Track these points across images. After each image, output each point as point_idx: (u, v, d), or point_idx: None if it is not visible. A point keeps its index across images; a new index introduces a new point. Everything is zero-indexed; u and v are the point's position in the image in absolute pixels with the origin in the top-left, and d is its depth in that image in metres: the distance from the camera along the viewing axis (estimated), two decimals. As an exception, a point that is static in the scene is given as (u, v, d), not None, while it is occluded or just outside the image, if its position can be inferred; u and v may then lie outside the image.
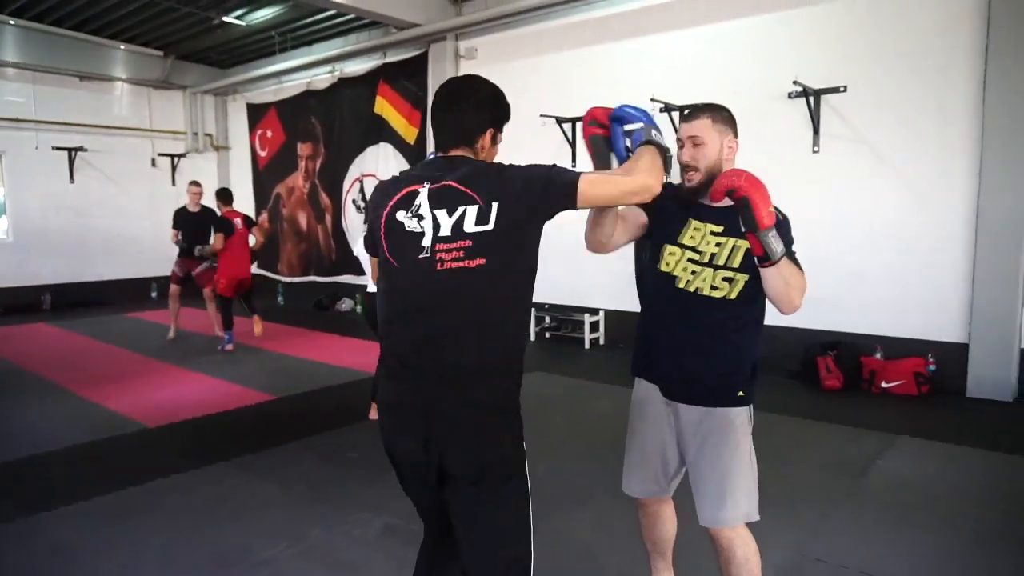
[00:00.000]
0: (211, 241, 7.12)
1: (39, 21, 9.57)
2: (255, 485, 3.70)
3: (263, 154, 11.44)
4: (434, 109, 1.77)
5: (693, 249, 2.00)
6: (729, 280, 1.97)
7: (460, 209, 1.62)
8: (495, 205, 1.60)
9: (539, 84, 7.47)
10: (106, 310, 10.18)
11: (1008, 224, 4.99)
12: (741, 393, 2.02)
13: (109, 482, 3.72)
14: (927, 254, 5.37)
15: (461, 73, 8.26)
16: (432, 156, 1.83)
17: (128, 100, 11.28)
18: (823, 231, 5.82)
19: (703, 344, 2.02)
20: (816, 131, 5.76)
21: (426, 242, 1.64)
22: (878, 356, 5.45)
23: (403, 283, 1.70)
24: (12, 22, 9.47)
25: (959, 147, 5.19)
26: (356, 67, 9.55)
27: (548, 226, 1.70)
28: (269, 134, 11.24)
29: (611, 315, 7.29)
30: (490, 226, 1.60)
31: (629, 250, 2.28)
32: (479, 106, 1.74)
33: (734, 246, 1.97)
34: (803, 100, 5.72)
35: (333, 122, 10.04)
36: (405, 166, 8.99)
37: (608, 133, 1.87)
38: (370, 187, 9.52)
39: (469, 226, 1.61)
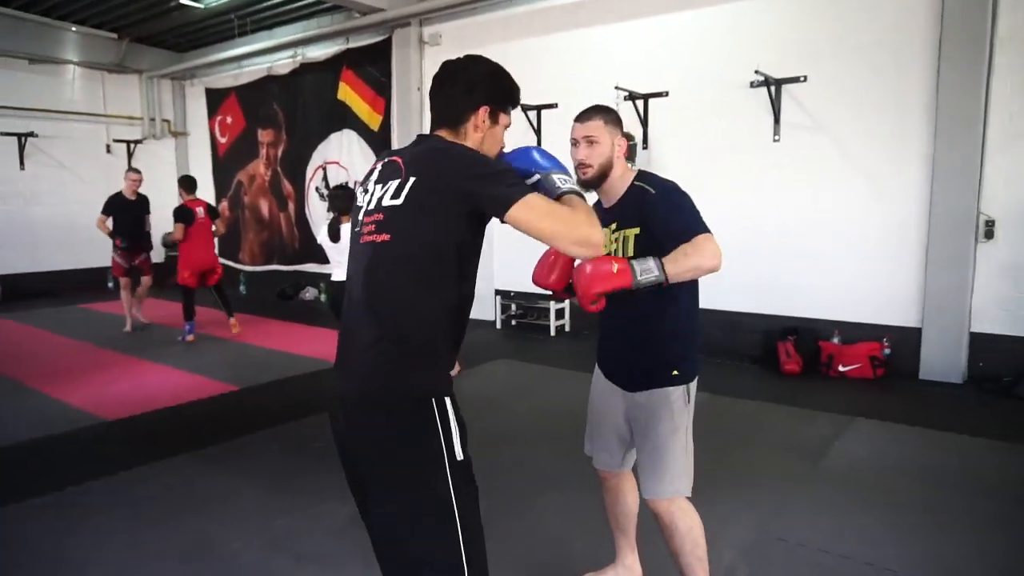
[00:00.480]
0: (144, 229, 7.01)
1: (-16, 1, 9.19)
2: (219, 476, 3.66)
3: (223, 140, 11.20)
4: (430, 92, 1.72)
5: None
6: None
7: (389, 183, 1.56)
8: (412, 180, 1.51)
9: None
10: (60, 301, 9.89)
11: (959, 213, 5.15)
12: (675, 372, 2.11)
13: (67, 477, 3.63)
14: (883, 241, 5.52)
15: (425, 59, 8.20)
16: None
17: (81, 84, 10.92)
18: (783, 218, 5.94)
19: (629, 334, 2.18)
20: (777, 120, 5.85)
21: (360, 215, 1.63)
22: (836, 341, 5.59)
23: (350, 258, 1.67)
24: (-45, 2, 9.08)
25: (914, 138, 5.33)
26: (318, 52, 9.39)
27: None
28: (229, 120, 11.01)
29: (576, 303, 7.33)
30: (400, 200, 1.52)
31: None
32: (468, 85, 1.64)
33: (624, 237, 2.10)
34: (764, 89, 5.80)
35: (295, 108, 9.87)
36: (369, 153, 8.91)
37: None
38: (333, 174, 9.41)
39: (386, 199, 1.55)
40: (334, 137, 9.38)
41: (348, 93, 9.08)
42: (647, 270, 1.86)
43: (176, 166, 11.94)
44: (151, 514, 3.23)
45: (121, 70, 11.19)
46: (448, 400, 1.52)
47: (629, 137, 2.16)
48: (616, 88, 6.39)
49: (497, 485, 3.49)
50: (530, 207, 1.44)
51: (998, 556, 2.80)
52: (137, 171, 7.68)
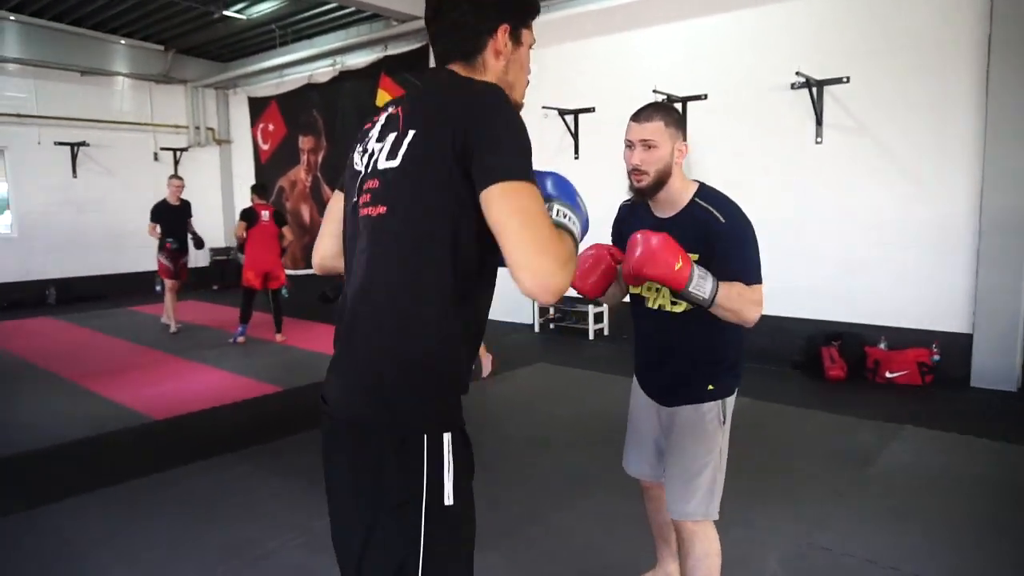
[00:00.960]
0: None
1: (40, 17, 9.56)
2: (261, 477, 3.72)
3: (265, 147, 11.44)
4: (426, 18, 1.34)
5: None
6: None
7: (388, 138, 1.23)
8: (411, 133, 1.18)
9: (541, 76, 7.37)
10: (109, 304, 10.20)
11: (1011, 214, 4.98)
12: (711, 387, 2.00)
13: (115, 474, 3.74)
14: (931, 244, 5.37)
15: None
16: None
17: (129, 95, 11.26)
18: (826, 222, 5.82)
19: (671, 355, 2.07)
20: (819, 122, 5.74)
21: (358, 181, 1.28)
22: (882, 346, 5.45)
23: (346, 240, 1.34)
24: (13, 18, 9.46)
25: (963, 138, 5.18)
26: (357, 60, 9.54)
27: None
28: (271, 127, 11.24)
29: (615, 306, 7.28)
30: (396, 161, 1.19)
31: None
32: (473, 2, 1.28)
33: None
34: (806, 91, 5.70)
35: (335, 115, 10.03)
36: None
37: None
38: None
39: (381, 161, 1.22)
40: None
41: (386, 99, 9.17)
42: (702, 287, 1.77)
43: (220, 173, 12.23)
44: (194, 512, 3.30)
45: (167, 81, 11.52)
46: (448, 437, 1.19)
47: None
48: (654, 91, 6.34)
49: (534, 489, 3.49)
50: (520, 197, 1.08)
51: (1056, 570, 2.70)
52: (179, 178, 7.91)
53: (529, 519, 3.15)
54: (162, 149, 11.62)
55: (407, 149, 1.17)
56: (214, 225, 7.28)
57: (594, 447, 4.04)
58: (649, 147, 1.90)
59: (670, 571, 2.44)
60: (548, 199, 1.21)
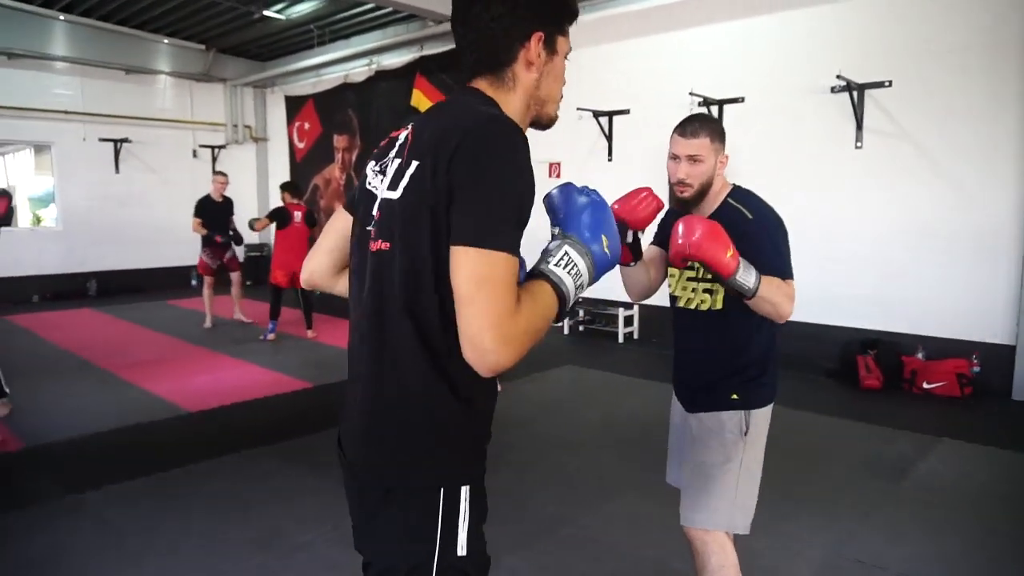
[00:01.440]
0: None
1: (87, 16, 9.82)
2: (293, 470, 3.78)
3: (300, 146, 11.60)
4: (452, 23, 1.23)
5: (688, 267, 2.03)
6: (710, 292, 1.99)
7: (395, 164, 1.17)
8: (413, 164, 1.10)
9: (577, 77, 7.35)
10: (148, 297, 10.43)
11: (1059, 223, 4.84)
12: (734, 396, 1.97)
13: (152, 464, 3.83)
14: (973, 253, 5.24)
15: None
16: None
17: (171, 92, 11.51)
18: (865, 228, 5.72)
19: (701, 356, 2.07)
20: (859, 127, 5.64)
21: (373, 208, 1.19)
22: (920, 356, 5.34)
23: (352, 274, 1.27)
24: (62, 17, 9.72)
25: (1007, 145, 5.05)
26: (393, 60, 9.62)
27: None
28: (307, 126, 11.39)
29: (645, 310, 7.25)
30: (397, 193, 1.12)
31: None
32: (505, 5, 1.14)
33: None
34: (846, 95, 5.61)
35: (369, 115, 10.13)
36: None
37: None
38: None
39: (385, 190, 1.16)
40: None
41: (421, 100, 9.26)
42: (747, 277, 1.77)
43: (256, 170, 12.43)
44: (229, 504, 3.36)
45: (207, 79, 11.74)
46: (466, 490, 1.15)
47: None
48: (691, 94, 6.30)
49: (564, 491, 3.49)
50: (481, 265, 1.00)
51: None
52: (223, 174, 8.02)
53: (558, 521, 3.15)
54: (201, 146, 11.84)
55: (408, 182, 1.10)
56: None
57: (624, 450, 4.03)
58: (695, 161, 1.94)
59: None
60: (564, 237, 1.12)
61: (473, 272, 1.00)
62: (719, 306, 1.98)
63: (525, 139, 1.08)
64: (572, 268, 1.08)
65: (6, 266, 9.93)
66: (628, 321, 7.33)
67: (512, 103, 1.19)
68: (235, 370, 6.08)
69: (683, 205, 2.01)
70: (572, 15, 1.24)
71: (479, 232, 1.01)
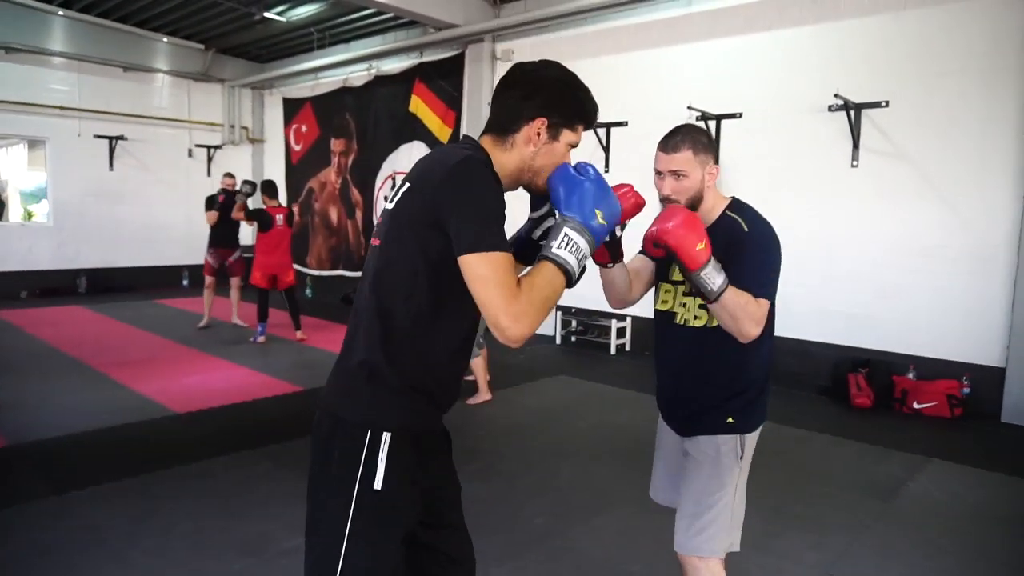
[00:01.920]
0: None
1: (86, 12, 9.79)
2: (281, 474, 3.74)
3: (297, 148, 11.57)
4: (493, 95, 1.55)
5: (682, 282, 1.96)
6: (706, 307, 1.89)
7: (398, 184, 1.51)
8: (407, 185, 1.43)
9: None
10: (137, 296, 10.36)
11: (1052, 247, 4.88)
12: (730, 420, 1.92)
13: (139, 465, 3.79)
14: (966, 274, 5.27)
15: (497, 75, 8.29)
16: None
17: (168, 91, 11.48)
18: (859, 246, 5.74)
19: (692, 375, 1.99)
20: (856, 145, 5.68)
21: (380, 217, 1.54)
22: (911, 376, 5.35)
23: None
24: (61, 13, 9.70)
25: (1002, 167, 5.08)
26: (392, 65, 9.62)
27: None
28: (304, 129, 11.37)
29: (638, 322, 7.25)
30: (391, 204, 1.45)
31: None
32: (528, 90, 1.44)
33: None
34: (843, 114, 5.64)
35: (367, 119, 10.12)
36: (437, 165, 9.07)
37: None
38: (402, 185, 9.59)
39: (387, 203, 1.50)
40: (404, 148, 9.56)
41: (419, 106, 9.26)
42: (712, 279, 1.71)
43: (252, 171, 12.39)
44: (215, 506, 3.33)
45: (206, 79, 11.72)
46: (387, 435, 1.39)
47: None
48: (688, 108, 6.32)
49: (555, 501, 3.47)
50: (480, 266, 1.28)
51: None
52: (232, 176, 7.99)
53: (548, 532, 3.13)
54: (197, 146, 11.81)
55: (399, 197, 1.44)
56: (242, 223, 7.40)
57: (616, 461, 4.01)
58: (679, 176, 1.88)
59: None
60: (567, 218, 1.37)
61: (475, 273, 1.28)
62: (714, 323, 1.89)
63: (491, 172, 1.37)
64: (571, 246, 1.35)
65: (-5, 261, 9.90)
66: (620, 333, 7.33)
67: (504, 161, 1.45)
68: (224, 372, 6.03)
69: None
70: (581, 118, 1.49)
71: (476, 241, 1.29)
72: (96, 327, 8.08)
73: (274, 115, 12.15)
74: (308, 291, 11.13)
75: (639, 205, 1.86)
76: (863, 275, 5.73)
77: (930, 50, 5.35)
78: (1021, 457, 4.33)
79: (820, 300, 5.82)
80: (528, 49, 7.95)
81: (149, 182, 11.30)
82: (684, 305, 1.98)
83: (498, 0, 8.15)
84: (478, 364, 5.16)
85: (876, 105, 5.53)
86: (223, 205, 7.62)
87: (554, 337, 7.70)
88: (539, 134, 1.43)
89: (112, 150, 10.80)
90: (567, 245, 1.34)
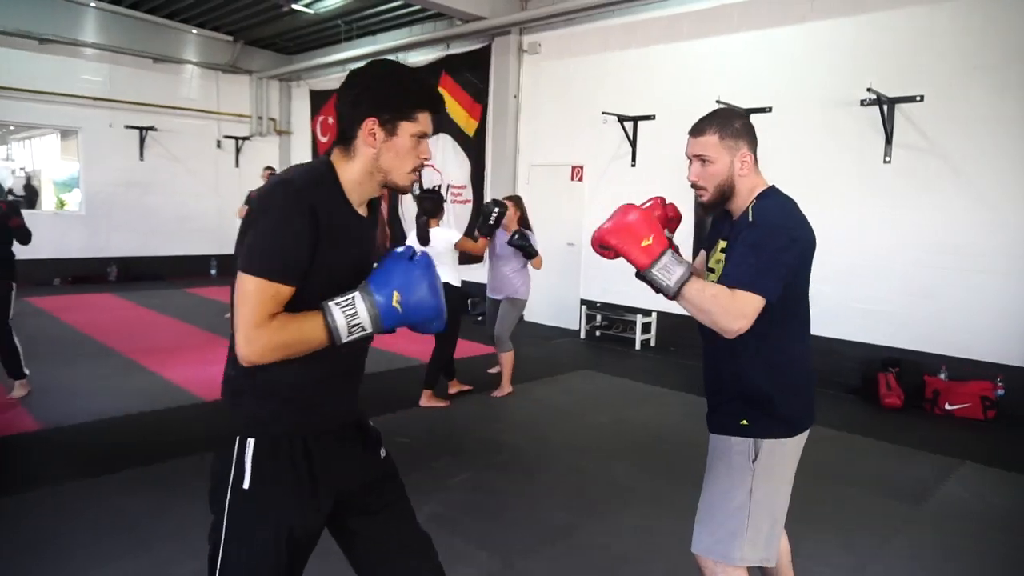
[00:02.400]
0: None
1: (117, 4, 9.93)
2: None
3: (324, 140, 11.65)
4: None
5: (712, 271, 1.90)
6: None
7: None
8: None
9: (602, 81, 7.40)
10: (167, 284, 10.52)
11: (1093, 246, 4.73)
12: (744, 422, 1.83)
13: (166, 451, 3.84)
14: (1001, 274, 5.13)
15: (524, 67, 8.25)
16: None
17: (198, 83, 11.60)
18: (891, 244, 5.63)
19: (716, 371, 1.94)
20: (889, 141, 5.56)
21: None
22: (943, 376, 5.24)
23: None
24: (93, 4, 9.84)
25: (1043, 163, 4.94)
26: (419, 58, 9.62)
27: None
28: (330, 120, 11.44)
29: (663, 317, 7.18)
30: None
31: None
32: (354, 96, 1.45)
33: (726, 258, 1.80)
34: (876, 108, 5.52)
35: (393, 112, 10.13)
36: (463, 158, 9.04)
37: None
38: (427, 177, 9.60)
39: None
40: (430, 140, 9.55)
41: (446, 99, 9.20)
42: (667, 273, 1.64)
43: (279, 163, 12.50)
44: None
45: (234, 70, 11.83)
46: (252, 441, 1.47)
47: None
48: (717, 101, 6.22)
49: (575, 497, 3.45)
50: (240, 284, 1.34)
51: None
52: (272, 168, 8.10)
53: (569, 527, 3.12)
54: (225, 137, 11.94)
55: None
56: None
57: (637, 458, 3.98)
58: (704, 162, 1.81)
59: None
60: (363, 287, 1.40)
61: (243, 288, 1.33)
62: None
63: (293, 195, 1.36)
64: (351, 311, 1.37)
65: (28, 249, 9.86)
66: (646, 328, 7.27)
67: (351, 169, 1.46)
68: (250, 361, 6.08)
69: (704, 210, 1.90)
70: (415, 104, 1.46)
71: (250, 262, 1.33)
72: (126, 314, 8.20)
73: (301, 107, 12.24)
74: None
75: (670, 219, 1.86)
76: (894, 273, 5.62)
77: (967, 43, 5.22)
78: (1057, 462, 4.23)
79: (850, 298, 5.72)
80: (555, 41, 7.90)
81: (179, 172, 11.45)
82: None
83: (525, -8, 8.12)
84: (507, 359, 5.14)
85: (910, 99, 5.40)
86: None
87: (578, 331, 7.66)
88: (374, 135, 1.43)
89: (142, 140, 10.96)
90: (347, 308, 1.37)
